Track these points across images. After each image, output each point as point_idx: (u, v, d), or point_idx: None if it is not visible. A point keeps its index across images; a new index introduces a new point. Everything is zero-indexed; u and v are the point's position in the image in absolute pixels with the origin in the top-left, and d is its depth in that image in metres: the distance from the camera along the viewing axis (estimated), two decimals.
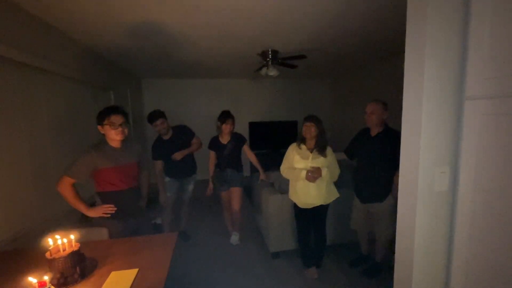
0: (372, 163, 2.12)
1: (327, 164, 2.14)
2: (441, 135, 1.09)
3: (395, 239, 1.28)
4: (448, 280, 1.16)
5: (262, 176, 2.77)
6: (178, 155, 2.60)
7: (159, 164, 2.64)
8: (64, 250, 1.20)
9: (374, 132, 2.13)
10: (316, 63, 4.14)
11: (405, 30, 1.13)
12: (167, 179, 2.73)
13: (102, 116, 1.60)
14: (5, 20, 1.74)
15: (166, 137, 2.65)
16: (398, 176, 2.00)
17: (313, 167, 2.08)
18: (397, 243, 1.26)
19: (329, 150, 2.18)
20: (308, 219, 2.24)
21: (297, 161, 2.15)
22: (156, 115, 2.55)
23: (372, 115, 2.07)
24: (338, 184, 2.28)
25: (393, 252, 1.30)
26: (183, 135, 2.73)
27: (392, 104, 3.60)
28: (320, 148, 2.13)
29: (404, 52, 1.16)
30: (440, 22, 1.01)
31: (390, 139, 2.02)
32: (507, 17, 0.88)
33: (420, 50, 1.05)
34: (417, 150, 1.10)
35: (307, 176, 2.08)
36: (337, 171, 2.19)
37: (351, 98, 5.21)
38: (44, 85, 2.20)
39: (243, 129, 5.28)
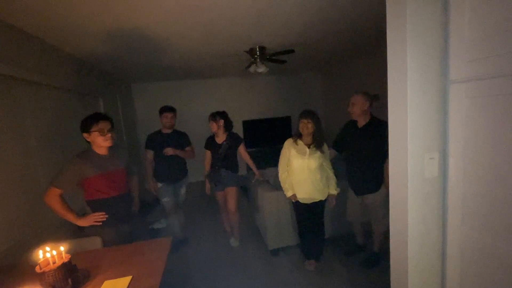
0: (362, 154, 2.12)
1: (324, 159, 2.14)
2: (428, 121, 1.08)
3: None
4: (444, 265, 1.16)
5: (257, 175, 2.76)
6: (169, 150, 2.62)
7: (150, 153, 2.71)
8: (54, 262, 1.17)
9: (361, 123, 2.13)
10: (305, 57, 4.12)
11: None
12: (159, 184, 2.72)
13: (89, 123, 1.56)
14: None
15: (165, 131, 2.74)
16: (388, 165, 2.04)
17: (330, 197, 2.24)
18: (391, 232, 1.25)
19: (325, 146, 2.18)
20: (307, 213, 2.24)
21: (294, 156, 2.14)
22: (170, 108, 2.73)
23: (353, 106, 2.08)
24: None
25: (387, 240, 1.29)
26: (181, 138, 2.81)
27: (384, 94, 3.57)
28: (317, 144, 2.12)
29: None
30: (419, 7, 1.00)
31: (378, 129, 2.04)
32: None
33: (401, 36, 1.04)
34: (405, 137, 1.09)
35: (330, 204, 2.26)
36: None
37: (343, 90, 5.21)
38: (29, 96, 2.15)
39: (237, 128, 5.24)
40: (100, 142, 1.58)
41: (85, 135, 1.59)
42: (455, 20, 0.98)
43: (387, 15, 1.10)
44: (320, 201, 2.20)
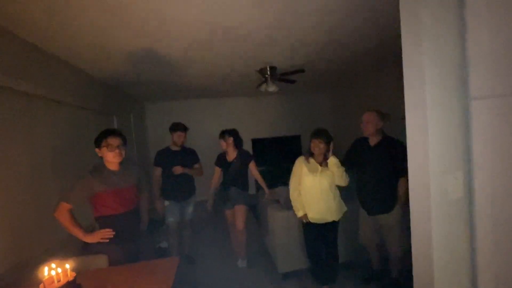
0: (375, 173, 2.06)
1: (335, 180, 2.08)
2: (449, 139, 1.03)
3: (410, 252, 1.18)
4: None
5: (267, 194, 2.70)
6: (178, 169, 2.60)
7: (158, 171, 2.67)
8: (59, 281, 1.13)
9: (373, 141, 2.09)
10: (315, 77, 4.17)
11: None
12: (166, 202, 2.68)
13: (100, 138, 1.59)
14: (8, 51, 1.78)
15: (174, 149, 2.72)
16: (402, 185, 1.98)
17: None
18: (414, 257, 1.16)
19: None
20: (317, 235, 2.14)
21: (305, 174, 2.09)
22: (181, 126, 2.70)
23: (368, 124, 2.05)
24: (344, 198, 2.20)
25: (410, 266, 1.20)
26: (190, 155, 2.80)
27: (394, 113, 3.55)
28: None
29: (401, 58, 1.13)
30: (435, 22, 0.99)
31: (390, 147, 2.01)
32: (504, 7, 0.86)
33: (417, 53, 1.02)
34: (426, 156, 1.04)
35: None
36: (346, 177, 2.09)
37: (352, 109, 5.19)
38: (47, 113, 2.22)
39: (246, 146, 5.24)
40: (109, 158, 1.59)
41: (96, 150, 1.62)
42: (473, 35, 0.96)
43: (401, 32, 1.10)
44: (334, 222, 2.10)
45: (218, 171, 2.72)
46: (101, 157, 1.62)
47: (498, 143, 0.93)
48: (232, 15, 1.83)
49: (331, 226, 2.12)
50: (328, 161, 2.03)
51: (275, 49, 2.65)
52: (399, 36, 1.11)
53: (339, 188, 2.15)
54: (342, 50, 2.88)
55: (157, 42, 2.23)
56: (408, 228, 1.18)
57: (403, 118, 1.14)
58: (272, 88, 3.45)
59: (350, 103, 5.31)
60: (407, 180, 1.17)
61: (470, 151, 1.03)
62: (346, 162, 2.29)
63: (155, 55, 2.52)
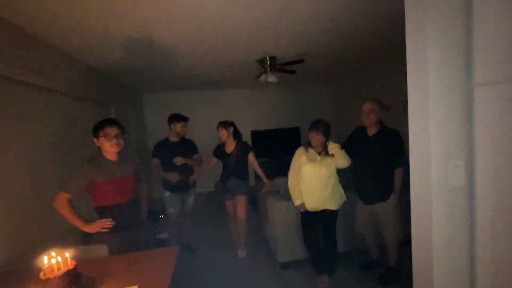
0: (373, 162, 2.08)
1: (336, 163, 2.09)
2: (452, 126, 1.02)
3: (406, 240, 1.19)
4: (473, 284, 1.06)
5: (266, 185, 2.70)
6: (179, 160, 2.59)
7: (155, 162, 2.65)
8: (59, 269, 1.13)
9: (371, 131, 2.09)
10: (314, 67, 4.12)
11: (404, 24, 1.08)
12: (167, 193, 2.69)
13: (97, 128, 1.57)
14: (5, 40, 1.74)
15: (173, 140, 2.69)
16: (399, 174, 2.01)
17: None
18: (414, 245, 1.17)
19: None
20: (315, 224, 2.16)
21: (304, 163, 2.10)
22: (181, 117, 2.66)
23: (370, 114, 2.04)
24: (344, 187, 2.21)
25: (404, 253, 1.21)
26: (188, 146, 2.78)
27: (394, 103, 3.50)
28: (328, 152, 2.09)
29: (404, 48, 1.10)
30: (440, 6, 0.97)
31: (389, 138, 2.03)
32: None
33: (421, 37, 1.00)
34: (427, 143, 1.03)
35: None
36: (347, 157, 2.07)
37: (352, 100, 5.17)
38: (44, 103, 2.19)
39: (245, 138, 5.22)
40: (107, 147, 1.57)
41: (94, 140, 1.60)
42: (480, 18, 0.93)
43: (405, 17, 1.07)
44: (331, 211, 2.12)
45: (213, 161, 2.74)
46: (99, 147, 1.61)
47: (501, 131, 0.92)
48: (232, 2, 1.79)
49: (328, 215, 2.13)
50: (328, 147, 2.05)
51: (275, 39, 2.60)
52: (401, 25, 1.08)
53: (339, 175, 2.16)
54: (344, 40, 2.83)
55: (154, 31, 2.18)
56: (403, 216, 1.19)
57: (405, 103, 1.12)
58: (272, 78, 3.41)
59: (350, 94, 5.28)
60: (403, 170, 1.16)
61: (472, 138, 1.02)
62: (344, 151, 2.29)
63: (152, 44, 2.47)
